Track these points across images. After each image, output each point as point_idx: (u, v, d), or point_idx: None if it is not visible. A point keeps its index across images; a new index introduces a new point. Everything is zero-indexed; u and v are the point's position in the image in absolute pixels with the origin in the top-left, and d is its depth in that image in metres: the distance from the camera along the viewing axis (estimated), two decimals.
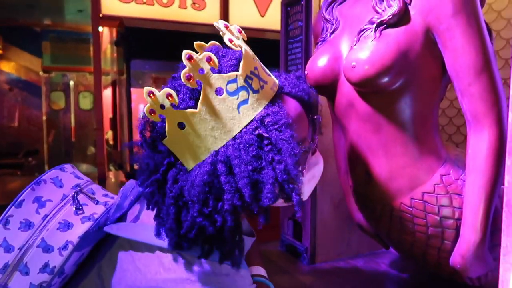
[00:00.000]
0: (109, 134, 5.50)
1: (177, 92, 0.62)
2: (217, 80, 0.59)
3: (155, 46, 3.86)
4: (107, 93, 5.46)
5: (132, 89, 4.09)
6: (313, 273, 1.08)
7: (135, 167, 0.69)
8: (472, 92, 0.75)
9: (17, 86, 7.28)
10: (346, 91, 0.87)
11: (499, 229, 0.80)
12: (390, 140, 0.84)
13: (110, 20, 4.07)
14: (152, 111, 0.60)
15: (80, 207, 0.74)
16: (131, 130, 4.06)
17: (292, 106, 0.68)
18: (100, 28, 4.42)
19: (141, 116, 0.64)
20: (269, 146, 0.60)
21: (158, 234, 0.66)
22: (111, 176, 4.83)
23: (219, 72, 0.60)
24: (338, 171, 1.08)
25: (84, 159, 6.80)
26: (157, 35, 3.83)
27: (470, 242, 0.77)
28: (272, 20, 4.27)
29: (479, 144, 0.76)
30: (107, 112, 5.58)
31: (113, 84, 5.20)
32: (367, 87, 0.80)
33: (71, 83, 7.40)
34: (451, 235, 0.83)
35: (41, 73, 7.14)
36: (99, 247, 0.75)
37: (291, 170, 0.59)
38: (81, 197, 0.76)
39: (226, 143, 0.61)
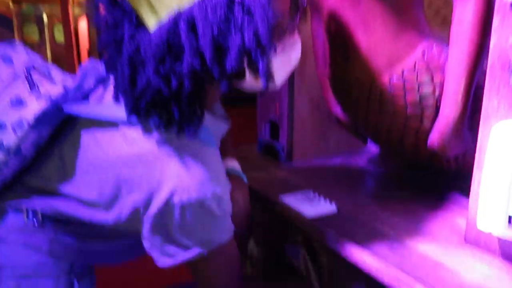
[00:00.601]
0: None
1: None
2: None
3: None
4: (83, 25, 5.21)
5: None
6: (289, 169, 1.06)
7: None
8: None
9: None
10: None
11: (479, 109, 0.77)
12: (369, 13, 0.77)
13: None
14: None
15: (34, 85, 0.68)
16: None
17: None
18: None
19: None
20: (240, 9, 0.53)
21: (116, 99, 0.61)
22: None
23: None
24: (316, 63, 1.02)
25: None
26: None
27: (450, 117, 0.74)
28: None
29: (465, 11, 0.70)
30: (84, 44, 5.35)
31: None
32: None
33: (44, 15, 7.01)
34: (430, 114, 0.79)
35: (11, 4, 6.72)
36: (61, 131, 0.70)
37: (262, 37, 0.53)
38: (35, 76, 0.69)
39: (193, 3, 0.54)
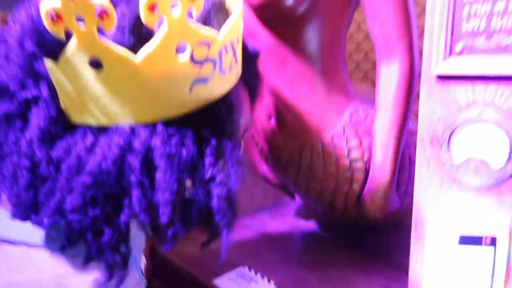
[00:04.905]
0: None
1: (116, 10, 0.37)
2: (188, 30, 0.37)
3: None
4: None
5: None
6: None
7: None
8: (385, 16, 0.67)
9: None
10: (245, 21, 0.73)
11: (404, 166, 0.76)
12: (296, 77, 0.74)
13: None
14: (57, 17, 0.34)
15: None
16: None
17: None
18: None
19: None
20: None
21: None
22: None
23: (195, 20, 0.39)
24: None
25: None
26: None
27: (380, 183, 0.72)
28: None
29: (390, 75, 0.69)
30: None
31: None
32: (269, 11, 0.68)
33: None
34: (360, 178, 0.77)
35: None
36: None
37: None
38: None
39: (154, 125, 0.40)
